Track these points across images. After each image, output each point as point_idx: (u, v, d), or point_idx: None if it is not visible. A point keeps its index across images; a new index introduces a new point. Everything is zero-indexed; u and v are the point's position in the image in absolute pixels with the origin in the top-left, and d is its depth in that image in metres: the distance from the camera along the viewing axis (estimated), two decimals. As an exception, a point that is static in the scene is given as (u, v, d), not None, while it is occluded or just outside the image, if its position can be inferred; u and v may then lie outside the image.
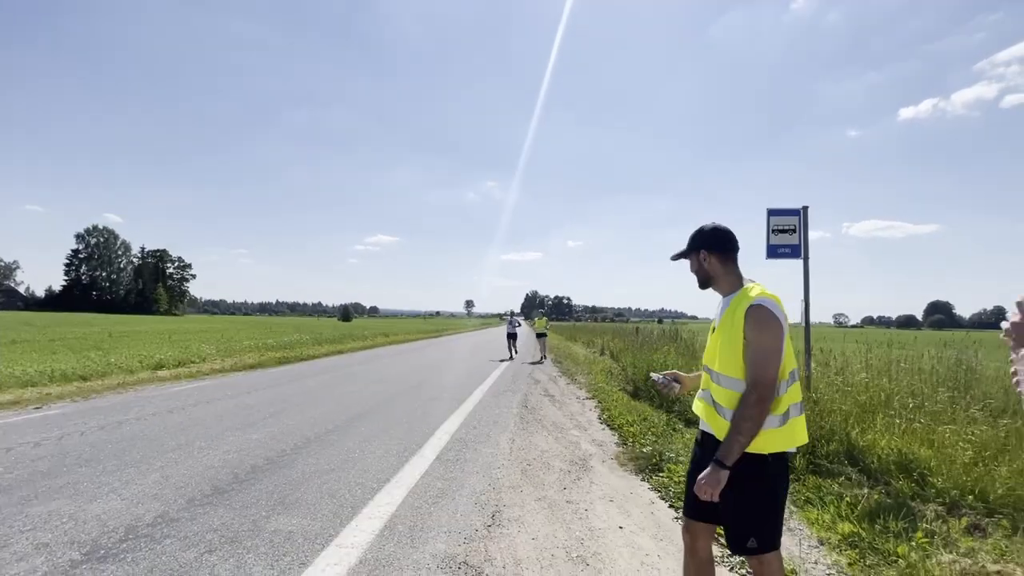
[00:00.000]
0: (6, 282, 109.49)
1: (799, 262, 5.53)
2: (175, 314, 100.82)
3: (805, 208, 5.53)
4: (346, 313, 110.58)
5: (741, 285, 1.89)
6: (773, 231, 5.55)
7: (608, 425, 6.41)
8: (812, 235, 5.69)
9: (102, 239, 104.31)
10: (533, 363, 14.45)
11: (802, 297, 5.55)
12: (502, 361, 14.94)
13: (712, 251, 1.93)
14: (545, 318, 18.07)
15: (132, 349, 15.88)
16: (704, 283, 2.00)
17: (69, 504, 3.22)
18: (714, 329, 1.93)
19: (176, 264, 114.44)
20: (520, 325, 19.54)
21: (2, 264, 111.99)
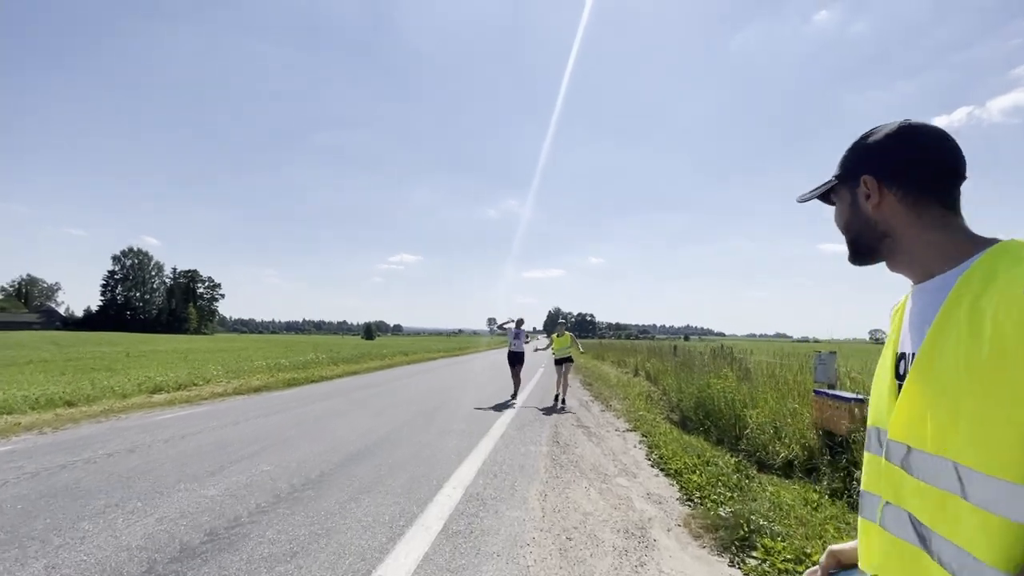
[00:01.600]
0: (47, 303, 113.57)
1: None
2: (204, 333, 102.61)
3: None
4: (369, 331, 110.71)
5: (972, 253, 0.72)
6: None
7: (661, 469, 5.10)
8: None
9: (136, 261, 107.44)
10: (547, 409, 8.85)
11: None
12: (497, 411, 8.37)
13: (890, 181, 0.82)
14: (569, 334, 10.23)
15: (142, 370, 15.21)
16: (866, 250, 0.89)
17: None
18: (903, 359, 0.80)
19: (206, 284, 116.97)
20: (529, 341, 11.95)
21: (44, 285, 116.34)
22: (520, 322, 11.16)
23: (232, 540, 3.02)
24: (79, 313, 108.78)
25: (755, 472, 5.01)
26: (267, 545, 2.97)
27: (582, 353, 8.93)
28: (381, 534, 3.18)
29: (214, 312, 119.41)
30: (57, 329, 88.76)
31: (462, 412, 8.30)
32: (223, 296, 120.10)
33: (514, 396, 10.49)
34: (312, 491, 3.98)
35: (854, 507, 3.97)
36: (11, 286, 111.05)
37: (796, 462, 5.08)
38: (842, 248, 0.92)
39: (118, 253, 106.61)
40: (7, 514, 3.40)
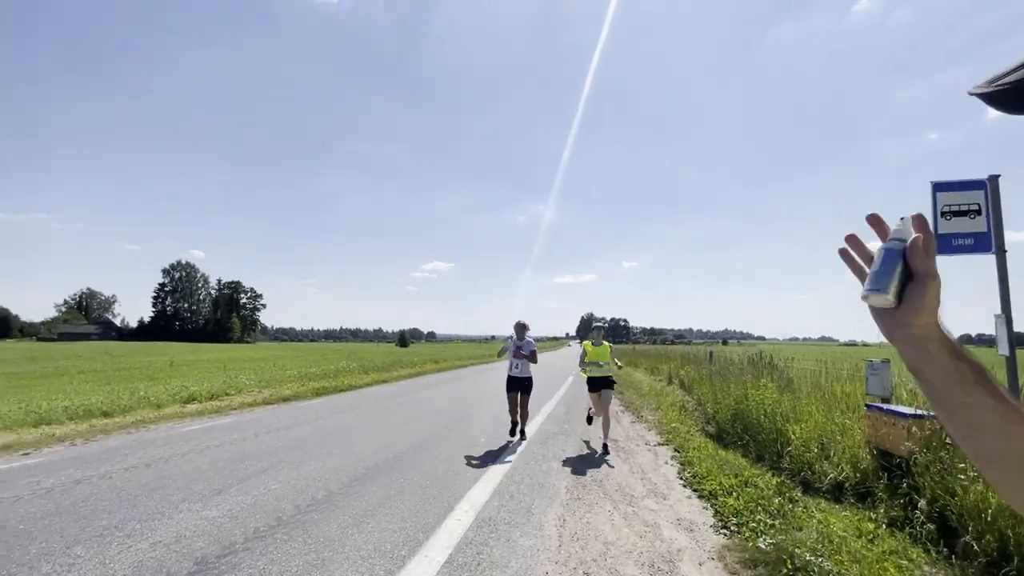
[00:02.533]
0: (105, 314, 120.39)
1: (987, 257, 3.68)
2: (247, 341, 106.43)
3: (994, 178, 3.70)
4: (403, 339, 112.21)
5: None
6: (943, 214, 3.76)
7: (695, 490, 4.69)
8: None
9: (184, 273, 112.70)
10: (584, 459, 5.70)
11: (997, 309, 3.65)
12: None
13: None
14: (608, 345, 6.95)
15: (180, 380, 15.66)
16: None
17: None
18: None
19: (248, 295, 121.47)
20: (526, 352, 6.95)
21: (102, 298, 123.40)
22: (522, 328, 6.87)
23: (220, 570, 2.83)
24: (133, 324, 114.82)
25: (799, 495, 4.53)
26: (261, 572, 2.76)
27: (620, 368, 7.01)
28: (380, 566, 2.93)
29: (256, 321, 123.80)
30: (113, 339, 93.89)
31: (485, 424, 8.03)
32: (264, 306, 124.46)
33: (513, 432, 6.83)
34: (316, 513, 3.78)
35: (917, 540, 3.48)
36: (73, 299, 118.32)
37: (847, 484, 4.57)
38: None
39: (167, 266, 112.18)
40: (8, 535, 3.34)
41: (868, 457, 4.58)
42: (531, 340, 7.00)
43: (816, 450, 5.18)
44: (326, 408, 10.05)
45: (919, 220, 0.62)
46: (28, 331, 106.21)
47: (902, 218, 0.63)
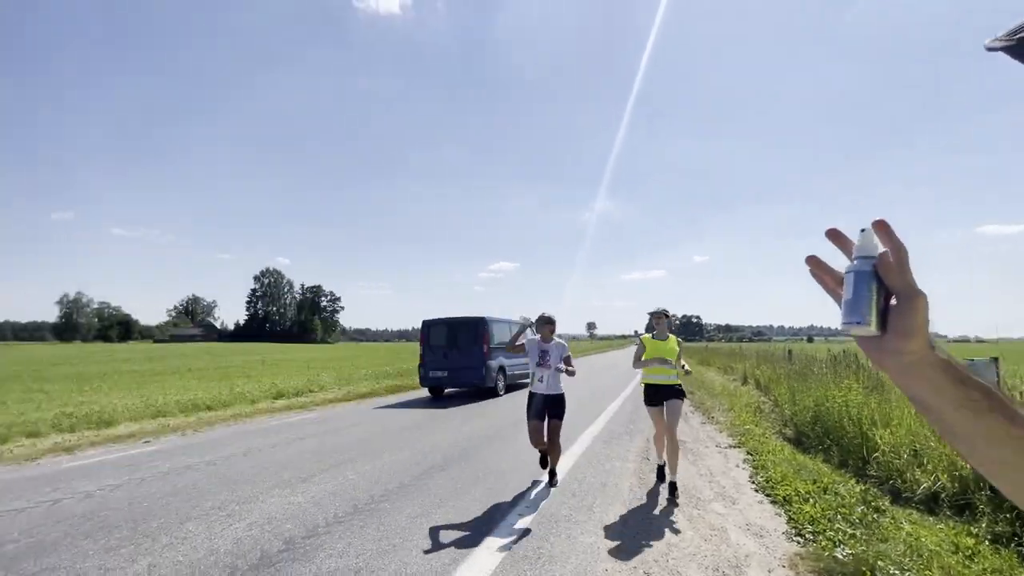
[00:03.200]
0: (207, 318, 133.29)
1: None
2: (328, 342, 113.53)
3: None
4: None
5: None
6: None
7: (767, 495, 4.49)
8: None
9: (272, 279, 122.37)
10: (651, 460, 5.44)
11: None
12: (587, 420, 7.57)
13: None
14: (676, 339, 4.93)
15: (271, 377, 17.08)
16: None
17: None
18: None
19: (328, 298, 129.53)
20: (554, 362, 4.78)
21: (204, 303, 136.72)
22: (546, 323, 4.84)
23: (306, 551, 3.13)
24: (231, 326, 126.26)
25: (887, 504, 4.21)
26: (336, 558, 3.03)
27: (687, 373, 4.91)
28: (445, 555, 3.11)
29: (336, 323, 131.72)
30: (213, 341, 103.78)
31: (549, 422, 8.11)
32: (343, 308, 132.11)
33: (544, 463, 4.95)
34: (388, 503, 4.05)
35: (1027, 559, 3.13)
36: (180, 305, 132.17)
37: (943, 496, 4.18)
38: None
39: (258, 273, 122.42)
40: (135, 510, 3.88)
41: (969, 466, 4.16)
42: (563, 343, 4.80)
43: (907, 457, 4.78)
44: (399, 405, 10.58)
45: (882, 228, 0.55)
46: (145, 334, 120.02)
47: (863, 229, 0.57)
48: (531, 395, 4.84)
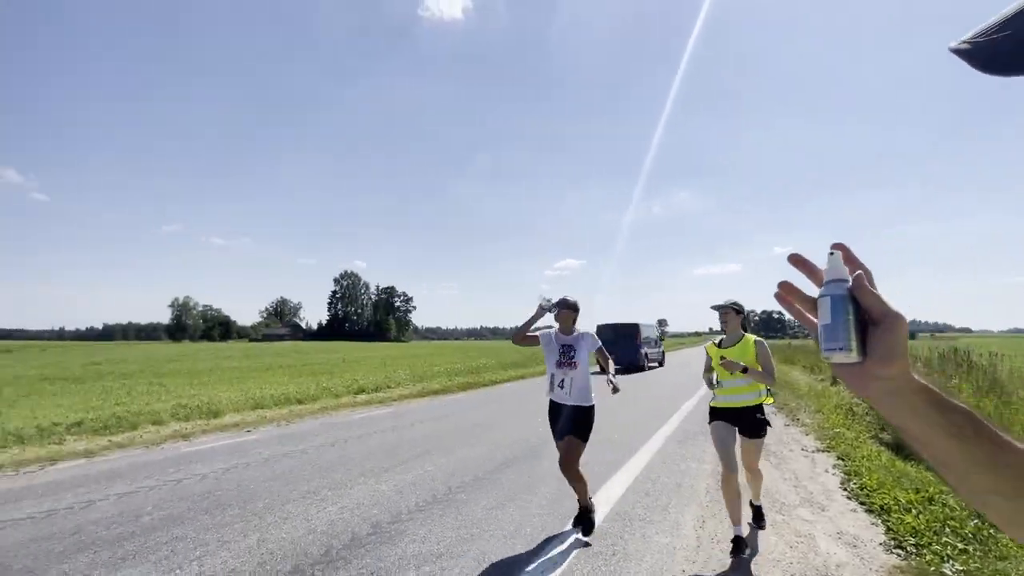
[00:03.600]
0: (294, 318, 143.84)
1: None
2: (401, 341, 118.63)
3: None
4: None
5: None
6: None
7: (861, 503, 4.19)
8: None
9: (350, 282, 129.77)
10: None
11: None
12: (657, 419, 7.60)
13: None
14: (754, 339, 3.35)
15: (351, 374, 18.18)
16: None
17: (150, 571, 2.86)
18: None
19: (401, 298, 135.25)
20: (577, 359, 3.58)
21: (291, 305, 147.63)
22: (567, 310, 3.65)
23: (392, 535, 3.35)
24: (314, 326, 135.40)
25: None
26: (419, 543, 3.22)
27: (770, 393, 3.45)
28: (520, 547, 3.20)
29: (408, 322, 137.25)
30: (300, 339, 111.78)
31: (624, 418, 8.02)
32: (415, 308, 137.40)
33: (582, 523, 3.45)
34: (464, 495, 4.23)
35: None
36: (270, 307, 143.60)
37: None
38: None
39: (337, 276, 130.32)
40: (243, 492, 4.33)
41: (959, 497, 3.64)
42: (590, 334, 3.62)
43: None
44: (470, 401, 10.89)
45: (843, 251, 0.55)
46: (242, 333, 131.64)
47: (831, 252, 0.56)
48: (552, 406, 3.64)
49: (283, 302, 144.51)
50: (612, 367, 3.68)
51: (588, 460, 5.44)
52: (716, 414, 3.47)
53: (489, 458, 5.51)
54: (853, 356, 0.52)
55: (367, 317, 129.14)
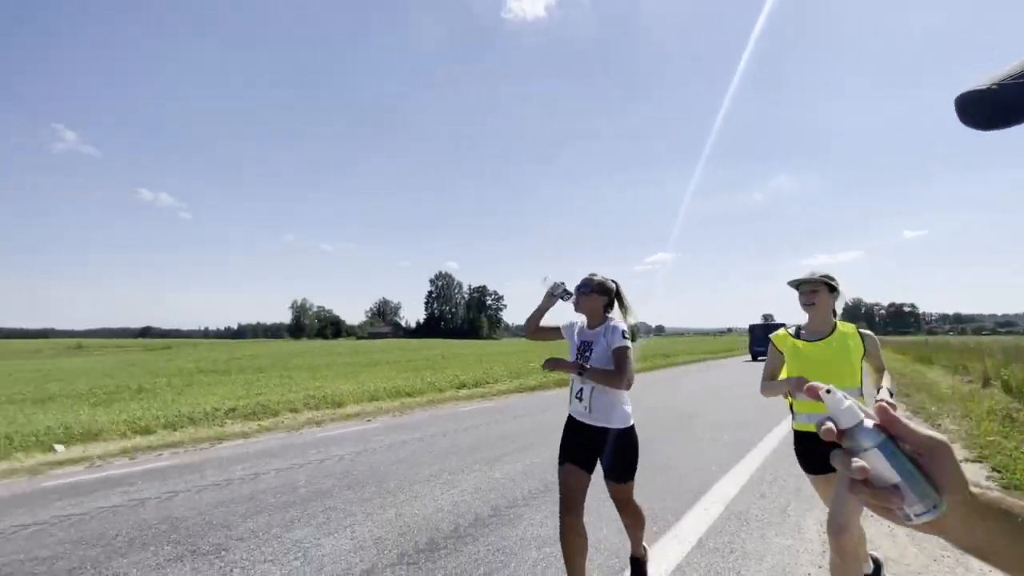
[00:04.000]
0: (394, 317, 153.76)
1: None
2: (494, 338, 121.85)
3: None
4: (631, 334, 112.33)
5: None
6: None
7: None
8: None
9: (445, 282, 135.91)
10: None
11: None
12: (768, 427, 6.48)
13: None
14: (852, 329, 2.38)
15: (451, 370, 19.16)
16: None
17: (314, 535, 3.37)
18: None
19: (492, 296, 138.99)
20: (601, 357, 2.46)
21: (392, 305, 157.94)
22: (592, 292, 2.58)
23: (511, 518, 3.61)
24: (413, 324, 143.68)
25: None
26: (536, 527, 3.45)
27: (890, 353, 3.27)
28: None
29: (500, 320, 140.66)
30: (401, 337, 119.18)
31: (724, 420, 7.71)
32: (506, 306, 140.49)
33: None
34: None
35: None
36: (374, 307, 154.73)
37: None
38: None
39: (432, 276, 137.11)
40: (375, 472, 4.86)
41: None
42: (616, 327, 2.52)
43: None
44: (567, 397, 11.05)
45: (824, 393, 0.49)
46: (350, 332, 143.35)
47: (828, 391, 0.49)
48: (569, 423, 2.60)
49: (384, 302, 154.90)
50: (617, 377, 2.38)
51: (695, 461, 5.35)
52: (806, 439, 2.40)
53: (593, 453, 5.63)
54: (943, 509, 0.46)
55: (461, 315, 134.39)
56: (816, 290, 2.39)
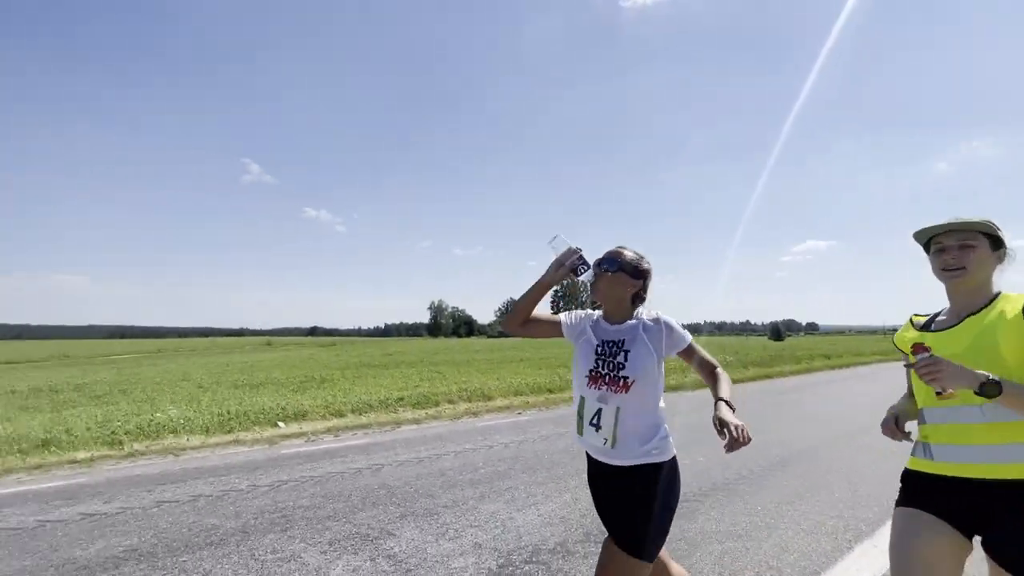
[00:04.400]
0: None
1: None
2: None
3: None
4: (776, 331, 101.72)
5: None
6: None
7: None
8: None
9: (569, 280, 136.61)
10: None
11: None
12: None
13: None
14: (1014, 302, 1.31)
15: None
16: None
17: (505, 509, 3.80)
18: None
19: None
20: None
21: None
22: (622, 270, 1.78)
23: (687, 512, 3.70)
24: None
25: None
26: (714, 522, 3.49)
27: None
28: (825, 542, 3.18)
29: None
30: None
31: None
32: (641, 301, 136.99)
33: None
34: (745, 486, 4.31)
35: None
36: (503, 306, 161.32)
37: None
38: None
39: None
40: (542, 459, 5.26)
41: None
42: (665, 322, 1.77)
43: None
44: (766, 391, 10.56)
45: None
46: (481, 331, 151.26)
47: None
48: (590, 465, 1.88)
49: (512, 302, 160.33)
50: (726, 387, 1.71)
51: (870, 471, 4.86)
52: (915, 486, 1.51)
53: (758, 457, 5.40)
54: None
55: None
56: (965, 244, 1.42)
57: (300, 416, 8.42)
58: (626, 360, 1.72)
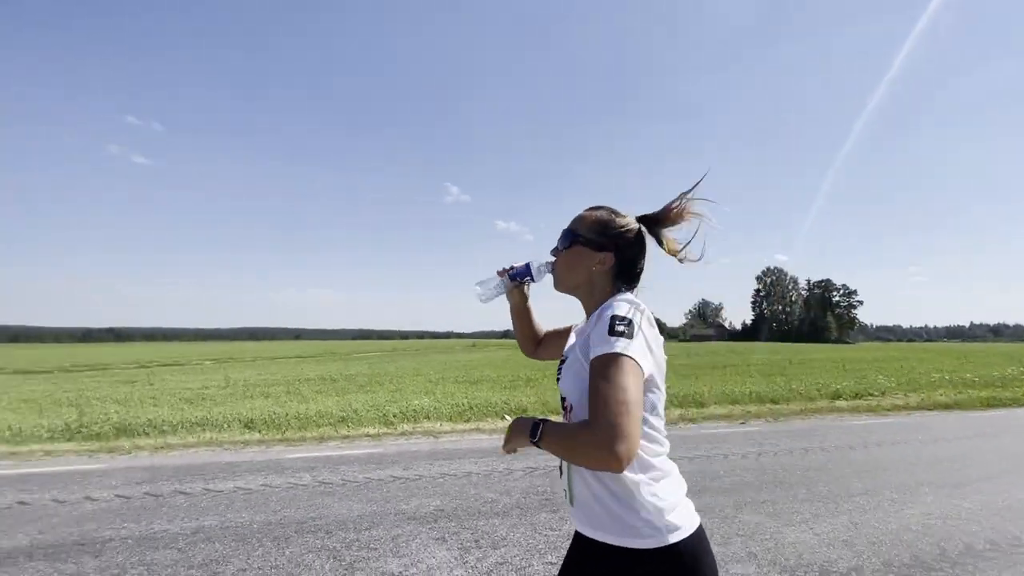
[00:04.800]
0: (716, 319, 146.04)
1: None
2: (846, 342, 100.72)
3: None
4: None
5: None
6: None
7: None
8: None
9: (774, 278, 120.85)
10: None
11: None
12: None
13: None
14: None
15: (809, 377, 16.88)
16: None
17: (770, 522, 3.57)
18: None
19: (841, 292, 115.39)
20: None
21: (713, 306, 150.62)
22: (577, 239, 1.21)
23: (1006, 554, 2.96)
24: (738, 326, 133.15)
25: None
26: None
27: None
28: None
29: (853, 320, 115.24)
30: (726, 340, 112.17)
31: None
32: (860, 303, 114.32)
33: None
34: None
35: None
36: (694, 308, 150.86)
37: None
38: None
39: (759, 273, 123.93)
40: (795, 477, 4.79)
41: None
42: (610, 310, 1.06)
43: None
44: (1005, 423, 8.17)
45: None
46: (671, 335, 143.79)
47: None
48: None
49: (704, 303, 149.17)
50: (561, 428, 1.02)
51: None
52: None
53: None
54: None
55: (798, 315, 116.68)
56: None
57: (521, 411, 9.23)
58: (559, 373, 1.19)
